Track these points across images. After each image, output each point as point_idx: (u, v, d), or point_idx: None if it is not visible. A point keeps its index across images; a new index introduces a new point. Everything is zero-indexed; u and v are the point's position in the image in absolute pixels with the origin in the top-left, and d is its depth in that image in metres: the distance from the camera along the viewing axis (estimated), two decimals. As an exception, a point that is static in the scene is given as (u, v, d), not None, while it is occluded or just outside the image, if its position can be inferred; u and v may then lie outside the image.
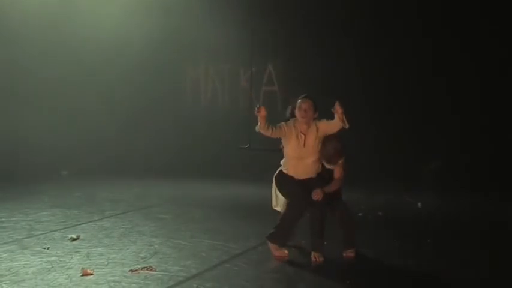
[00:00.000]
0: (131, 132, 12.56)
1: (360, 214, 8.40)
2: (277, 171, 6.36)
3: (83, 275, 5.34)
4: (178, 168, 11.83)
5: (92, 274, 5.37)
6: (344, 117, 5.96)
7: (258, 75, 12.22)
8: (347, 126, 6.00)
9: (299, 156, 6.15)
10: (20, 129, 12.09)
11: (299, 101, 6.19)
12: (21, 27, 12.22)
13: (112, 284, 5.12)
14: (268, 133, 6.07)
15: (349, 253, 6.16)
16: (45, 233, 6.97)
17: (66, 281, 5.20)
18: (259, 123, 6.03)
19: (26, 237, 6.75)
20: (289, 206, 6.15)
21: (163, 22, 12.25)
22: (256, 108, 5.97)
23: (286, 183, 6.24)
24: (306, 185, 6.13)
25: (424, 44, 10.95)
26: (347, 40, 11.30)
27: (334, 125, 6.07)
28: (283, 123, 6.20)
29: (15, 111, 12.17)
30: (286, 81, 12.00)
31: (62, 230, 7.13)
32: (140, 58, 12.43)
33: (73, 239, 6.66)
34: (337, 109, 5.94)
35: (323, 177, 6.20)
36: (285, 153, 6.27)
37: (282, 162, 6.34)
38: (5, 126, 12.00)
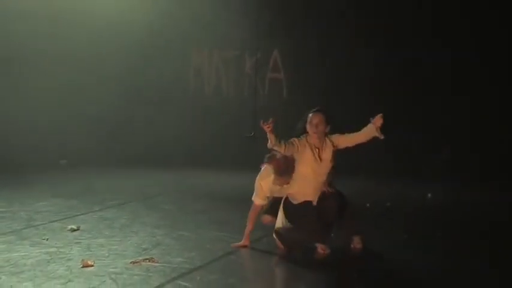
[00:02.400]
0: (132, 121, 12.56)
1: (367, 205, 8.39)
2: (284, 199, 6.15)
3: (83, 267, 5.34)
4: (182, 158, 11.84)
5: (92, 266, 5.38)
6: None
7: (263, 61, 12.20)
8: (382, 136, 5.92)
9: (313, 172, 5.97)
10: (18, 118, 12.09)
11: (310, 115, 6.06)
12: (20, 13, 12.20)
13: (113, 276, 5.12)
14: (281, 149, 5.91)
15: (357, 244, 6.14)
16: (45, 224, 6.98)
17: (66, 272, 5.20)
18: (269, 140, 5.84)
19: (25, 228, 6.76)
20: (305, 234, 5.99)
21: (165, 6, 12.22)
22: (262, 122, 5.78)
23: (299, 218, 5.99)
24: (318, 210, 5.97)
25: (434, 30, 10.94)
26: (357, 24, 11.25)
27: (361, 136, 6.01)
28: (295, 138, 6.02)
29: (12, 97, 12.16)
30: (292, 68, 11.97)
31: (61, 221, 7.14)
32: (141, 44, 12.40)
33: (73, 230, 6.66)
34: (378, 121, 5.88)
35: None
36: (294, 175, 6.07)
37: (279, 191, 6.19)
38: (1, 114, 12.00)
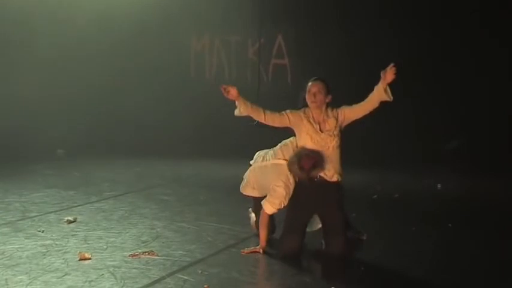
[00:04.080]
0: (131, 109, 12.55)
1: (375, 196, 8.40)
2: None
3: (80, 260, 5.36)
4: (182, 147, 11.84)
5: (90, 258, 5.40)
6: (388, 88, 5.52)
7: (267, 47, 12.16)
8: (391, 98, 5.57)
9: (315, 145, 5.63)
10: (13, 107, 12.09)
11: (309, 84, 5.77)
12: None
13: (111, 269, 5.14)
14: (260, 118, 5.67)
15: (361, 236, 6.14)
16: (40, 215, 7.00)
17: (63, 265, 5.22)
18: (238, 107, 5.67)
19: (20, 219, 6.78)
20: (280, 239, 5.74)
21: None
22: (223, 88, 5.64)
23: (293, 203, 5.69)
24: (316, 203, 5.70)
25: (447, 24, 10.92)
26: (365, 8, 11.21)
27: (368, 105, 5.67)
28: (288, 110, 5.79)
29: (8, 86, 12.16)
30: (297, 54, 11.93)
31: (57, 212, 7.16)
32: (140, 29, 12.37)
33: (70, 222, 6.68)
34: (389, 74, 5.50)
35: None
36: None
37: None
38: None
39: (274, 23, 11.95)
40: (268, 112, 5.76)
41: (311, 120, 5.73)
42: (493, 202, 8.29)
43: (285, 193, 5.61)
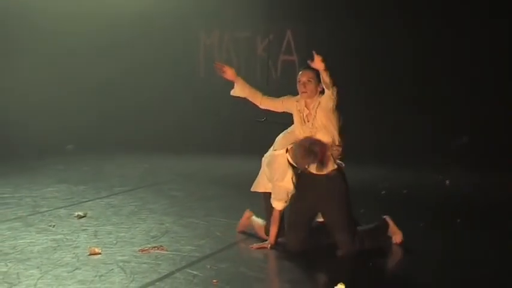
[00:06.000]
0: (141, 105, 12.56)
1: (383, 192, 8.39)
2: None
3: (90, 254, 5.39)
4: (191, 143, 11.85)
5: (99, 253, 5.42)
6: (326, 75, 5.18)
7: (276, 43, 12.15)
8: (330, 89, 5.23)
9: (303, 135, 5.55)
10: (23, 102, 12.13)
11: (299, 73, 5.61)
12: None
13: (121, 263, 5.16)
14: (256, 100, 5.66)
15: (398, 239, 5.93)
16: (51, 210, 7.03)
17: (73, 260, 5.25)
18: (235, 87, 5.65)
19: (31, 214, 6.82)
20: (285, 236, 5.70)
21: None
22: (217, 65, 5.59)
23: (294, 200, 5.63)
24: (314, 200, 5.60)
25: (449, 20, 10.88)
26: (376, 4, 11.17)
27: (326, 98, 5.37)
28: (286, 96, 5.74)
29: (18, 81, 12.19)
30: (306, 50, 11.90)
31: (68, 207, 7.19)
32: (148, 24, 12.37)
33: (80, 217, 6.71)
34: (316, 64, 5.18)
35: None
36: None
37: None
38: (7, 98, 12.04)
39: (283, 19, 11.93)
40: (265, 97, 5.74)
41: (301, 109, 5.59)
42: (502, 199, 8.26)
43: (287, 185, 5.58)
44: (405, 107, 10.89)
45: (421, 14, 11.04)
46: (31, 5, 12.08)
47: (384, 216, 5.88)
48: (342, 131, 5.58)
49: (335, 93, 5.33)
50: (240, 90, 5.79)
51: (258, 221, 6.05)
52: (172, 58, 12.56)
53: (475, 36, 10.77)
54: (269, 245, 5.68)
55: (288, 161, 5.62)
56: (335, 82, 5.30)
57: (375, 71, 10.98)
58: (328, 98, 5.38)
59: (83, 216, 6.73)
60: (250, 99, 5.82)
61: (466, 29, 10.80)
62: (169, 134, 12.14)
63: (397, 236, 5.83)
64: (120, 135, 12.13)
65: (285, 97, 5.76)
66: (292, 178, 5.60)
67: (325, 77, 5.25)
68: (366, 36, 11.15)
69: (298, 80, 5.60)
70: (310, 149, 5.40)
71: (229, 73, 5.72)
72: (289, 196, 5.61)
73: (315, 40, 11.57)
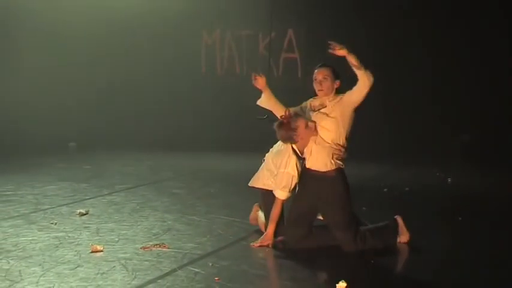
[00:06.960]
0: (143, 103, 12.57)
1: (385, 190, 8.38)
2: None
3: (92, 252, 5.39)
4: (193, 141, 11.86)
5: (101, 251, 5.42)
6: (353, 57, 5.15)
7: (278, 41, 12.14)
8: (363, 69, 5.20)
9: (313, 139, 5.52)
10: (26, 99, 12.14)
11: (315, 71, 5.58)
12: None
13: (123, 261, 5.16)
14: (276, 111, 5.61)
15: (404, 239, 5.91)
16: (53, 208, 7.03)
17: (75, 257, 5.25)
18: (262, 96, 5.63)
19: (33, 212, 6.82)
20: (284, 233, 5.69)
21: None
22: (254, 76, 5.58)
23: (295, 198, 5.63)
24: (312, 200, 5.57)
25: (457, 18, 10.89)
26: (376, 3, 11.18)
27: (358, 87, 5.31)
28: (303, 103, 5.70)
29: (16, 78, 12.19)
30: (308, 48, 11.91)
31: (70, 205, 7.19)
32: (150, 23, 12.38)
33: (82, 214, 6.71)
34: (336, 49, 5.15)
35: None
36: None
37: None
38: (10, 96, 12.05)
39: (285, 17, 11.93)
40: (288, 109, 5.61)
41: (314, 105, 5.58)
42: (503, 196, 8.26)
43: (291, 171, 5.55)
44: (405, 106, 10.90)
45: (421, 13, 11.04)
46: (30, 7, 12.09)
47: (396, 216, 5.87)
48: (348, 135, 5.56)
49: (369, 72, 5.27)
50: (266, 100, 5.78)
51: (262, 217, 6.05)
52: (174, 57, 12.56)
53: (475, 36, 10.77)
54: (269, 244, 5.67)
55: (293, 148, 5.60)
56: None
57: (375, 70, 10.97)
58: (357, 91, 5.33)
59: (85, 214, 6.73)
60: (273, 111, 5.76)
61: (466, 28, 10.81)
62: (170, 132, 12.14)
63: (403, 237, 5.81)
64: (122, 134, 12.14)
65: (303, 103, 5.71)
66: (296, 164, 5.56)
67: (352, 60, 5.21)
68: (367, 35, 11.15)
69: (314, 78, 5.57)
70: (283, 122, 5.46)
71: (260, 82, 5.69)
72: (293, 184, 5.58)
73: (316, 38, 11.60)
